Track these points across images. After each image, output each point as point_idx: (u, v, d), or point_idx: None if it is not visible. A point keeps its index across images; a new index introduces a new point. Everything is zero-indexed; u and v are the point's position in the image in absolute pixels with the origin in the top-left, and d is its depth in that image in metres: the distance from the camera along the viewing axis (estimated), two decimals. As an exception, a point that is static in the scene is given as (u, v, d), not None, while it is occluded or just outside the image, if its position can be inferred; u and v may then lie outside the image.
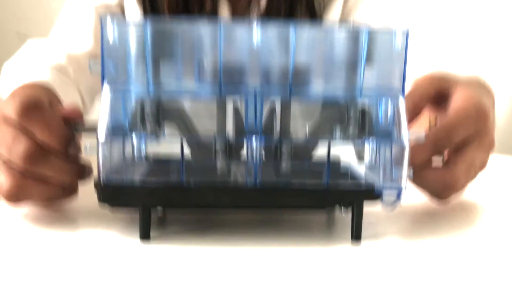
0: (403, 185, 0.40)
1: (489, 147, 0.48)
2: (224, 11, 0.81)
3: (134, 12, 0.82)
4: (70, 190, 0.45)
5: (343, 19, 0.86)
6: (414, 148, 0.44)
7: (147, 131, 0.40)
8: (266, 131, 0.43)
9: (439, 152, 0.46)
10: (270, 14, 0.80)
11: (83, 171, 0.44)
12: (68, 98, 0.72)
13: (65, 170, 0.42)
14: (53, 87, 0.62)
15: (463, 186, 0.48)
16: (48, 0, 1.32)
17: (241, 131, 0.43)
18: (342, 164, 0.48)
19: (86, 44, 0.79)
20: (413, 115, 0.48)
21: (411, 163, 0.44)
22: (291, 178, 0.42)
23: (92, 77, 0.75)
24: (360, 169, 0.46)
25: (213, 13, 0.80)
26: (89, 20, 0.81)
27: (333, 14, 0.84)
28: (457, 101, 0.46)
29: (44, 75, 0.67)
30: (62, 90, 0.72)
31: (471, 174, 0.47)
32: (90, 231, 0.42)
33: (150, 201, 0.39)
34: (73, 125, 0.43)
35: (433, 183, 0.46)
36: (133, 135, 0.38)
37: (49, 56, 0.75)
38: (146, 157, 0.46)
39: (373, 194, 0.40)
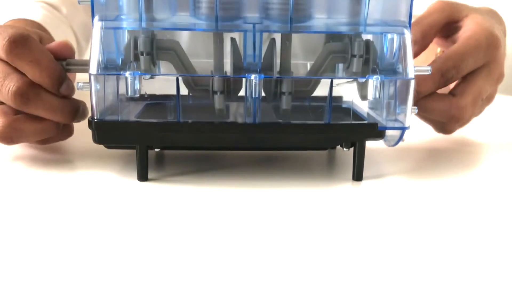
0: (407, 123, 0.39)
1: (498, 79, 0.46)
2: None
3: None
4: (65, 130, 0.43)
5: None
6: (421, 78, 0.42)
7: (140, 69, 0.38)
8: (265, 68, 0.41)
9: (446, 82, 0.44)
10: None
11: (77, 110, 0.43)
12: (61, 36, 0.69)
13: (58, 109, 0.41)
14: (44, 23, 0.60)
15: (469, 118, 0.46)
16: None
17: (240, 68, 0.41)
18: (344, 103, 0.47)
19: None
20: (421, 46, 0.45)
21: (417, 93, 0.42)
22: (291, 117, 0.40)
23: (87, 15, 0.73)
24: (363, 108, 0.44)
25: None
26: None
27: None
28: (467, 29, 0.44)
29: (35, 12, 0.64)
30: (54, 28, 0.69)
31: (478, 106, 0.46)
32: (87, 172, 0.41)
33: (146, 141, 0.38)
34: (64, 62, 0.41)
35: (439, 114, 0.45)
36: (127, 73, 0.36)
37: None
38: (142, 96, 0.44)
39: (376, 132, 0.39)
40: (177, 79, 0.37)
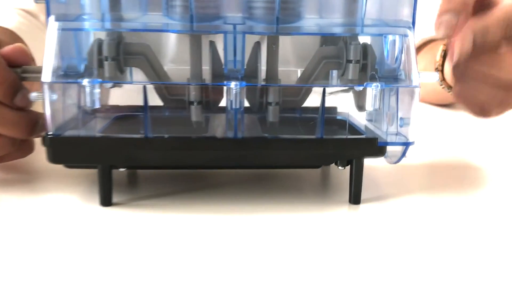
0: (411, 138, 0.34)
1: None
2: None
3: None
4: (23, 146, 0.38)
5: None
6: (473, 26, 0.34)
7: (104, 76, 0.33)
8: (249, 75, 0.36)
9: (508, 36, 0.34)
10: None
11: (35, 123, 0.37)
12: (37, 44, 0.65)
13: (13, 122, 0.36)
14: (19, 30, 0.56)
15: None
16: None
17: (220, 76, 0.36)
18: (339, 114, 0.42)
19: None
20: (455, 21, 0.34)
21: (459, 53, 0.34)
22: (279, 131, 0.35)
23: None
24: (360, 120, 0.39)
25: None
26: None
27: None
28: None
29: (10, 19, 0.60)
30: (29, 35, 0.65)
31: None
32: (44, 196, 0.36)
33: (108, 160, 0.33)
34: (20, 70, 0.36)
35: (483, 79, 0.36)
36: (84, 80, 0.31)
37: (17, 0, 0.68)
38: (111, 107, 0.39)
39: (375, 149, 0.33)
40: (144, 88, 0.32)
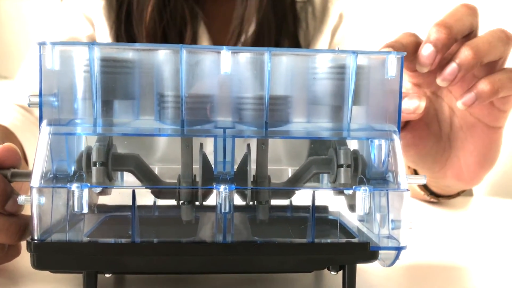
0: (402, 242, 0.33)
1: None
2: (205, 42, 0.76)
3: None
4: (10, 251, 0.37)
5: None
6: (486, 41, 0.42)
7: (92, 181, 0.33)
8: (239, 176, 0.36)
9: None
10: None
11: (25, 228, 0.36)
12: (30, 139, 0.66)
13: (3, 229, 0.35)
14: (13, 126, 0.57)
15: None
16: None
17: (210, 177, 0.36)
18: (330, 214, 0.42)
19: None
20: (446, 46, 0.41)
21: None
22: (269, 233, 0.35)
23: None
24: (352, 221, 0.39)
25: (193, 43, 0.75)
26: None
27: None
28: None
29: (6, 115, 0.62)
30: (22, 130, 0.66)
31: None
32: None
33: (95, 267, 0.32)
34: (9, 173, 0.36)
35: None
36: (74, 185, 0.31)
37: (14, 96, 0.70)
38: (94, 210, 0.39)
39: (367, 254, 0.33)
40: (133, 192, 0.32)
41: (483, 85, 0.42)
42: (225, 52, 0.33)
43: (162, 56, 0.34)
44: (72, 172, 0.35)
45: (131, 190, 0.32)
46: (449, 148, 0.51)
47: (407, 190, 0.33)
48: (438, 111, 0.51)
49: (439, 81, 0.42)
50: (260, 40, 0.75)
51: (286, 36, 0.76)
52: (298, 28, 0.77)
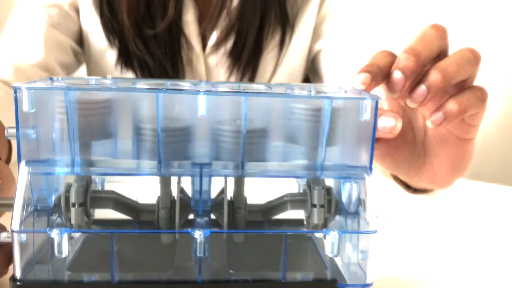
0: (369, 280, 0.35)
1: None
2: (190, 15, 0.75)
3: (90, 14, 0.76)
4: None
5: (317, 27, 0.82)
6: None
7: (70, 224, 0.34)
8: (216, 206, 0.37)
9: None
10: (242, 19, 0.74)
11: (9, 259, 0.37)
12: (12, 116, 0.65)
13: None
14: None
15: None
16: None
17: (188, 209, 0.37)
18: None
19: (35, 54, 0.73)
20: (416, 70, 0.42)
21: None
22: (243, 266, 0.36)
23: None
24: (324, 257, 0.40)
25: (178, 17, 0.74)
26: (39, 24, 0.75)
27: (306, 20, 0.80)
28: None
29: None
30: (5, 108, 0.66)
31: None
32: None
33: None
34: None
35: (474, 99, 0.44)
36: (53, 231, 0.32)
37: None
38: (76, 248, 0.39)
39: (336, 292, 0.35)
40: (111, 237, 0.33)
41: (451, 105, 0.43)
42: (202, 96, 0.33)
43: (139, 95, 0.34)
44: (53, 203, 0.36)
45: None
46: (424, 154, 0.53)
47: (375, 231, 0.34)
48: (413, 120, 0.52)
49: (409, 102, 0.43)
50: (246, 10, 0.74)
51: (273, 6, 0.75)
52: None
